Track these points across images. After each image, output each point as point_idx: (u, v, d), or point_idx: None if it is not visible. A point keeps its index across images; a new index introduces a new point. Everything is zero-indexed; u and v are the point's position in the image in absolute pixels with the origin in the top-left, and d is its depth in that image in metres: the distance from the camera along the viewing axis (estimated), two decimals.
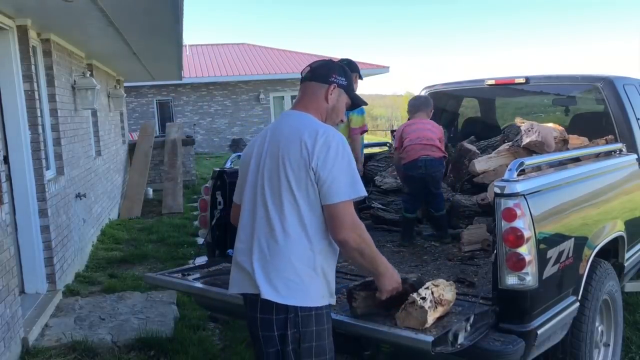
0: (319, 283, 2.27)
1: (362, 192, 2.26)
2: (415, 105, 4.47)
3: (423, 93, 5.51)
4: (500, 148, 4.52)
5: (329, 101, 2.42)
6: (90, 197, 7.42)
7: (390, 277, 2.43)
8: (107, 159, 9.23)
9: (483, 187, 4.31)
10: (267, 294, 2.23)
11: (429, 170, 4.14)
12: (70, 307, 5.09)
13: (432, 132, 4.25)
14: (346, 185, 2.22)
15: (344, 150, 2.25)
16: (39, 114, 5.38)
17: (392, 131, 6.45)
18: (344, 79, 2.45)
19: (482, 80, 5.14)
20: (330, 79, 2.42)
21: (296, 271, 2.23)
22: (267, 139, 2.40)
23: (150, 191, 11.59)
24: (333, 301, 2.38)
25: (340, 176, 2.22)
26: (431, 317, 2.42)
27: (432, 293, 2.49)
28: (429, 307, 2.41)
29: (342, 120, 2.54)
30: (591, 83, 4.56)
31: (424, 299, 2.42)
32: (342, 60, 4.05)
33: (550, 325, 2.67)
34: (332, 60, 2.52)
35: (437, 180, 4.20)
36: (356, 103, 2.55)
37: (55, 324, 4.72)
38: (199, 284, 3.30)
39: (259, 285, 2.25)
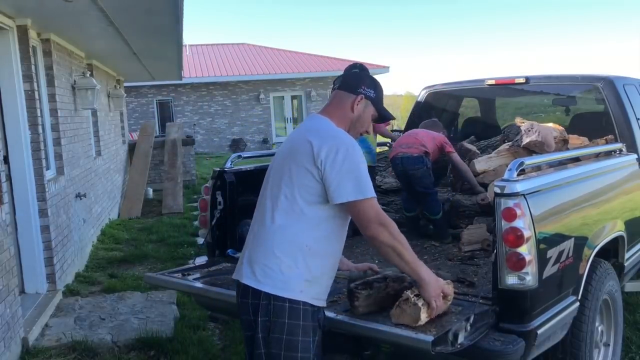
0: (299, 276, 2.25)
1: (371, 192, 2.25)
2: (424, 125, 4.66)
3: (423, 93, 5.51)
4: (500, 148, 4.52)
5: (355, 111, 2.43)
6: (90, 197, 7.41)
7: (435, 284, 2.41)
8: (107, 159, 9.23)
9: (483, 187, 4.31)
10: (245, 277, 2.30)
11: (406, 167, 4.18)
12: (70, 307, 5.09)
13: (422, 134, 4.30)
14: (355, 185, 2.22)
15: (353, 152, 2.26)
16: (39, 114, 5.38)
17: (392, 131, 6.46)
18: (372, 92, 2.46)
19: (482, 80, 5.14)
20: (359, 89, 2.44)
21: (276, 259, 2.25)
22: (286, 140, 2.49)
23: (150, 191, 11.58)
24: (319, 302, 2.33)
25: (349, 176, 2.22)
26: (424, 315, 2.40)
27: None
28: (422, 305, 2.40)
29: (367, 132, 2.54)
30: (591, 83, 4.56)
31: (417, 296, 2.42)
32: (354, 65, 4.06)
33: (551, 325, 2.67)
34: (364, 72, 2.53)
35: (418, 177, 4.19)
36: (383, 116, 2.54)
37: (55, 324, 4.72)
38: (199, 284, 3.30)
39: (242, 269, 2.33)
